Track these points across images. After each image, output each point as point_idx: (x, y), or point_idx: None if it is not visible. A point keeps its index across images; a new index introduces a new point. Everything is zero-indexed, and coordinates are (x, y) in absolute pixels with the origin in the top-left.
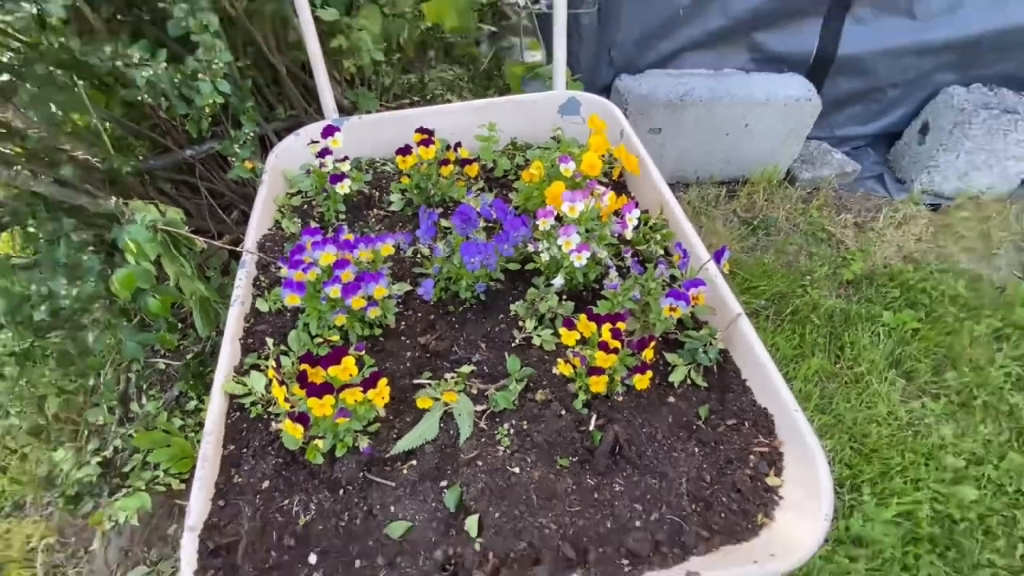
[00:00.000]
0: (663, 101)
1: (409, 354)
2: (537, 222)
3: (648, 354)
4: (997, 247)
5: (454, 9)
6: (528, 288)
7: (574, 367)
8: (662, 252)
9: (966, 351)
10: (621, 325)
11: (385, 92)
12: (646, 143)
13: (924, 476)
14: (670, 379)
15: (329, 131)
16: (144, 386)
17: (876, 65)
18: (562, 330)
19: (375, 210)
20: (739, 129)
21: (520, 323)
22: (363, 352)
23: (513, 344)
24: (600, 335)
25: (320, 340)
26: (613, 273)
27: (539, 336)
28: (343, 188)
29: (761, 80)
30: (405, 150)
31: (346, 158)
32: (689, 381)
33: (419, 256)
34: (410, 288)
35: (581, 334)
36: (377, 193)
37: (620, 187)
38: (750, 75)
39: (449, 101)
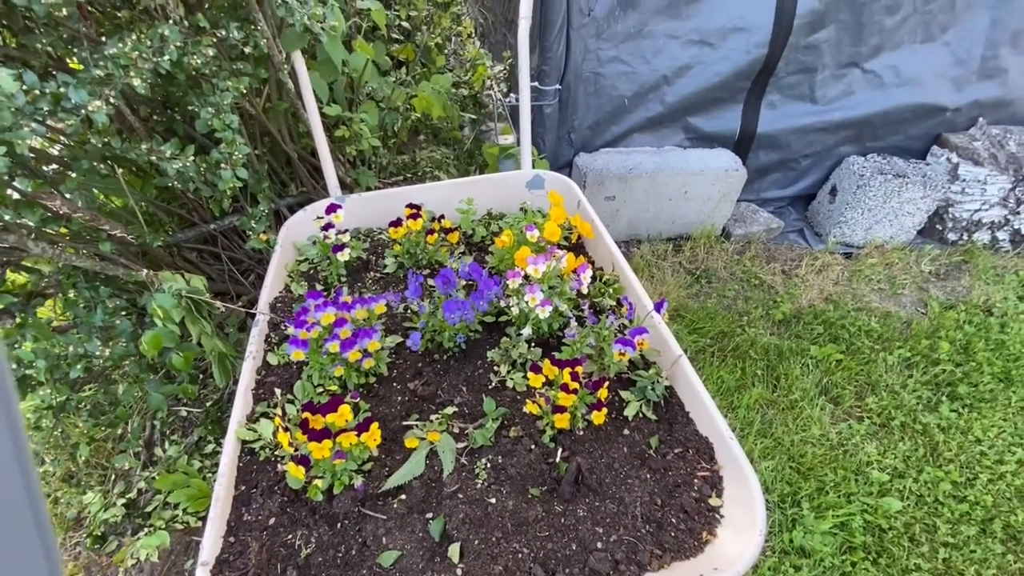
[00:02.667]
0: (615, 174)
1: (400, 398)
2: (507, 281)
3: (603, 393)
4: (902, 288)
5: (439, 103)
6: (502, 337)
7: (540, 407)
8: (614, 303)
9: (882, 378)
10: (579, 369)
11: (383, 170)
12: (603, 208)
13: (854, 490)
14: (625, 413)
15: (332, 208)
16: (167, 432)
17: (789, 140)
18: (530, 374)
19: (372, 272)
20: (680, 195)
21: (496, 368)
22: (358, 399)
23: (490, 386)
24: (562, 378)
25: (321, 390)
26: (573, 323)
27: (512, 379)
28: (343, 256)
29: (696, 155)
30: (397, 223)
31: (347, 230)
32: (641, 414)
33: (408, 312)
34: (401, 340)
35: (546, 377)
36: (374, 258)
37: (579, 249)
38: (686, 151)
39: (438, 177)
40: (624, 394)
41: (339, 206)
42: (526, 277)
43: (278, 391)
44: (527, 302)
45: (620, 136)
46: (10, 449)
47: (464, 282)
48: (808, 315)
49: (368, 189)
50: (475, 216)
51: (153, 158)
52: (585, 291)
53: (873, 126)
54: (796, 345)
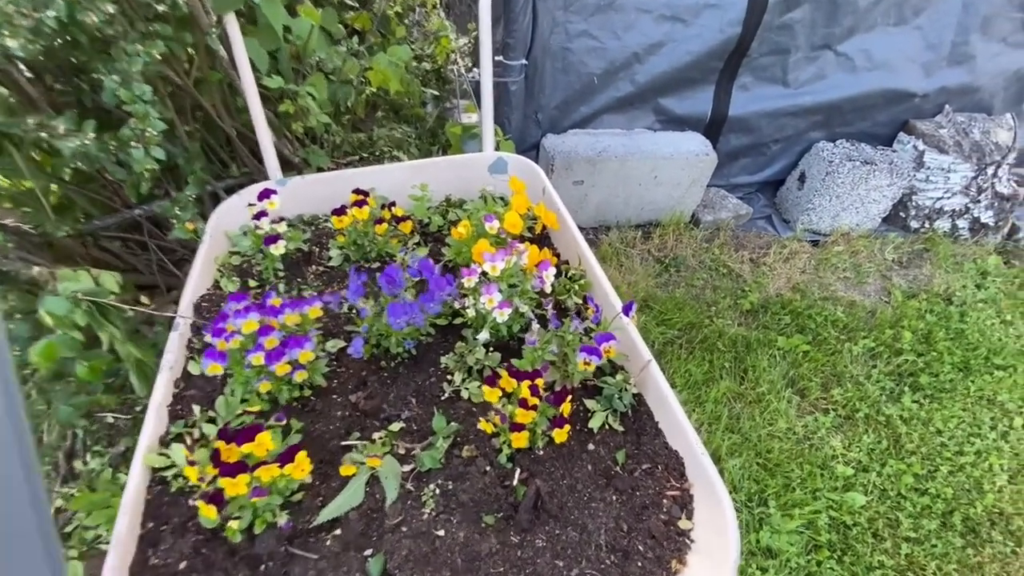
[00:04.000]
0: (584, 157)
1: (340, 413)
2: (463, 280)
3: (566, 408)
4: (867, 276)
5: (396, 76)
6: (457, 341)
7: (495, 425)
8: (580, 301)
9: (848, 369)
10: (539, 381)
11: (336, 149)
12: (571, 193)
13: (820, 486)
14: (589, 425)
15: (265, 194)
16: (90, 442)
17: (760, 124)
18: (485, 388)
19: (314, 266)
20: (649, 180)
21: (450, 376)
22: (285, 422)
23: (443, 397)
24: (520, 392)
25: (243, 409)
26: (534, 326)
27: (467, 389)
28: (278, 249)
29: (666, 138)
30: (340, 210)
31: (282, 219)
32: (607, 426)
33: (354, 312)
34: (344, 344)
35: (503, 390)
36: (317, 249)
37: (543, 240)
38: (656, 134)
39: (397, 158)
40: (589, 403)
41: (273, 191)
42: (483, 274)
43: (197, 408)
44: (484, 303)
45: (589, 117)
46: (16, 460)
47: (414, 281)
48: (776, 305)
49: (320, 170)
50: (431, 203)
51: (44, 135)
52: (548, 289)
53: (842, 111)
54: (764, 336)
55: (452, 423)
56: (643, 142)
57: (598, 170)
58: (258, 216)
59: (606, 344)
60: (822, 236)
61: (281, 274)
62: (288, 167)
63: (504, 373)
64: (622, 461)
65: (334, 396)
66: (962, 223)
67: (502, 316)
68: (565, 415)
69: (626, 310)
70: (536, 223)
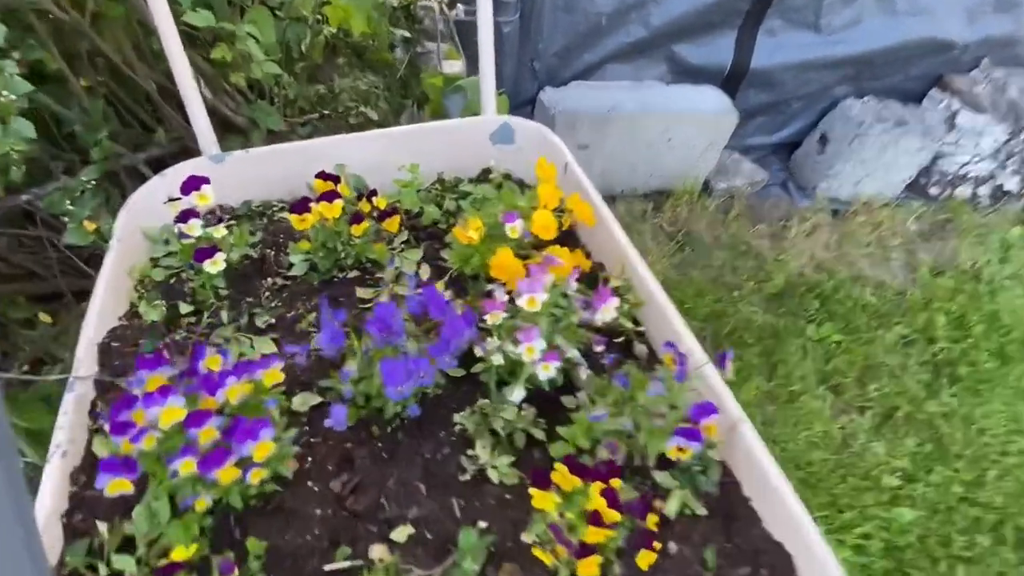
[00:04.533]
0: (591, 115)
1: (319, 512)
2: (485, 316)
3: (652, 521)
4: (891, 252)
5: (360, 13)
6: (474, 385)
7: (556, 556)
8: (631, 325)
9: (882, 361)
10: (616, 483)
11: (290, 105)
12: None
13: (867, 501)
14: (665, 511)
15: (193, 184)
16: None
17: (784, 78)
18: (533, 492)
19: (270, 279)
20: (661, 142)
21: (468, 441)
22: (233, 559)
23: (463, 479)
24: (588, 498)
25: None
26: (583, 373)
27: (496, 468)
28: (215, 266)
29: (680, 92)
30: (301, 206)
31: (221, 214)
32: (688, 511)
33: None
34: (319, 401)
35: (558, 487)
36: (273, 252)
37: (568, 237)
38: (669, 87)
39: (364, 114)
40: (658, 476)
41: (204, 180)
42: (511, 305)
43: (103, 527)
44: (523, 353)
45: (594, 66)
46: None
47: (416, 320)
48: (801, 287)
49: (271, 133)
50: (421, 185)
51: None
52: (598, 324)
53: (874, 64)
54: (792, 324)
55: (484, 534)
56: (655, 97)
57: (605, 131)
58: (183, 218)
59: (707, 420)
60: (842, 205)
61: (224, 293)
62: (230, 130)
63: (561, 469)
64: (712, 562)
65: (309, 483)
66: (984, 190)
67: (547, 371)
68: (652, 527)
69: (721, 360)
70: (562, 215)
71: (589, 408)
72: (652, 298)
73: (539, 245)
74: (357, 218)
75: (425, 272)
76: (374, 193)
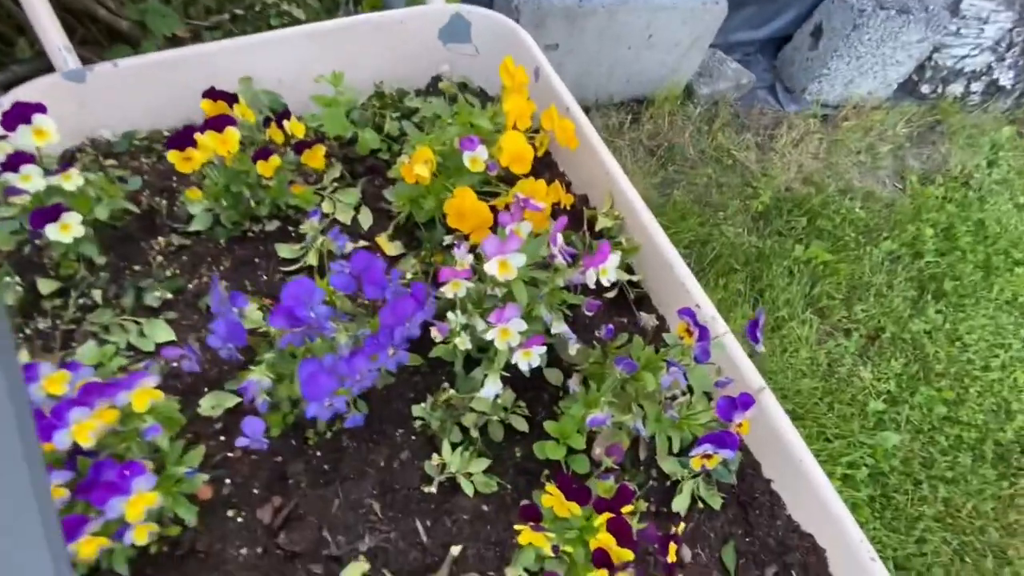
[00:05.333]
0: (561, 9)
1: (245, 553)
2: (442, 288)
3: (672, 553)
4: (881, 159)
5: None
6: (434, 367)
7: None
8: (624, 275)
9: (870, 279)
10: (628, 509)
11: (192, 4)
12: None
13: (853, 428)
14: (673, 507)
15: (20, 115)
16: None
17: None
18: (524, 530)
19: (162, 237)
20: (642, 41)
21: (433, 441)
22: None
23: (427, 491)
24: (594, 530)
25: None
26: (573, 345)
27: (468, 477)
28: (66, 231)
29: None
30: (182, 139)
31: (70, 164)
32: (700, 502)
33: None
34: (237, 402)
35: (551, 513)
36: (166, 202)
37: (542, 165)
38: None
39: (287, 13)
40: (665, 465)
41: (37, 109)
42: (475, 254)
43: None
44: (496, 338)
45: None
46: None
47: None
48: (788, 203)
49: (170, 40)
50: (352, 103)
51: None
52: (595, 284)
53: None
54: (779, 245)
55: (458, 563)
56: None
57: (579, 28)
58: (12, 165)
59: (743, 416)
60: (831, 109)
61: (101, 262)
62: (118, 39)
63: (555, 492)
64: (733, 565)
65: (231, 513)
66: (976, 86)
67: (527, 358)
68: (673, 561)
69: (752, 330)
70: (534, 138)
71: (583, 400)
72: (651, 242)
73: (509, 178)
74: (263, 153)
75: (366, 219)
76: (286, 116)
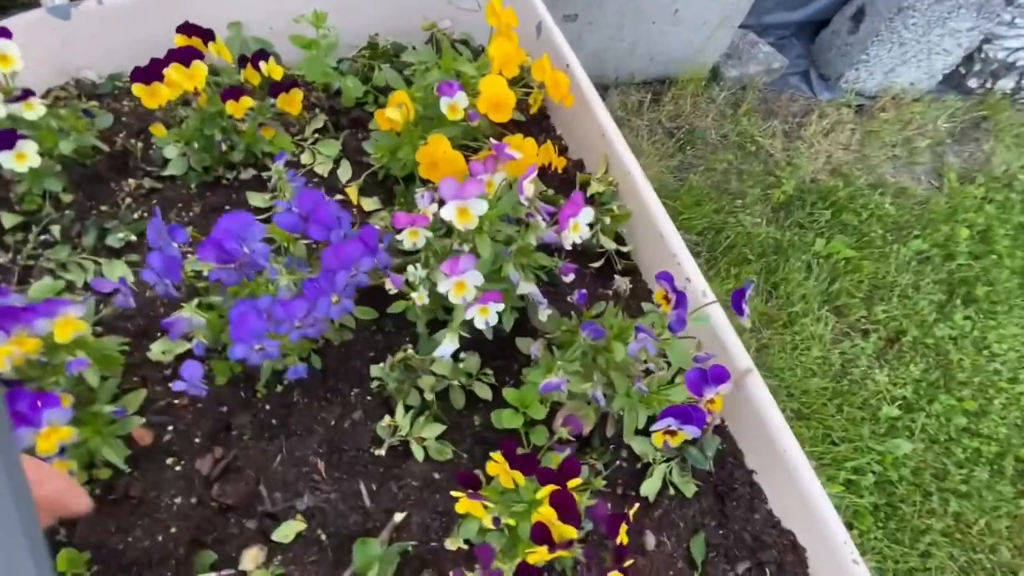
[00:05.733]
0: None
1: (179, 503)
2: (399, 235)
3: (623, 535)
4: (919, 155)
5: None
6: (400, 326)
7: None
8: (612, 243)
9: (895, 279)
10: (575, 484)
11: None
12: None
13: (863, 433)
14: (641, 491)
15: None
16: None
17: None
18: (461, 502)
19: (133, 180)
20: (667, 16)
21: (388, 402)
22: None
23: (377, 453)
24: (537, 505)
25: None
26: (543, 311)
27: (421, 441)
28: (21, 160)
29: None
30: (148, 72)
31: (29, 93)
32: (671, 488)
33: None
34: (188, 348)
35: (489, 481)
36: (141, 144)
37: (537, 124)
38: None
39: None
40: (636, 445)
41: (1, 33)
42: (440, 219)
43: None
44: (450, 291)
45: None
46: None
47: (297, 242)
48: (812, 195)
49: None
50: (341, 53)
51: None
52: (572, 244)
53: None
54: (798, 238)
55: (400, 531)
56: None
57: (601, 0)
58: None
59: (715, 391)
60: (868, 100)
61: (67, 200)
62: None
63: (499, 458)
64: (701, 557)
65: (168, 462)
66: None
67: (484, 315)
68: (624, 543)
69: (737, 300)
70: (529, 95)
71: (544, 366)
72: (644, 209)
73: (498, 136)
74: (234, 92)
75: (345, 173)
76: (263, 57)
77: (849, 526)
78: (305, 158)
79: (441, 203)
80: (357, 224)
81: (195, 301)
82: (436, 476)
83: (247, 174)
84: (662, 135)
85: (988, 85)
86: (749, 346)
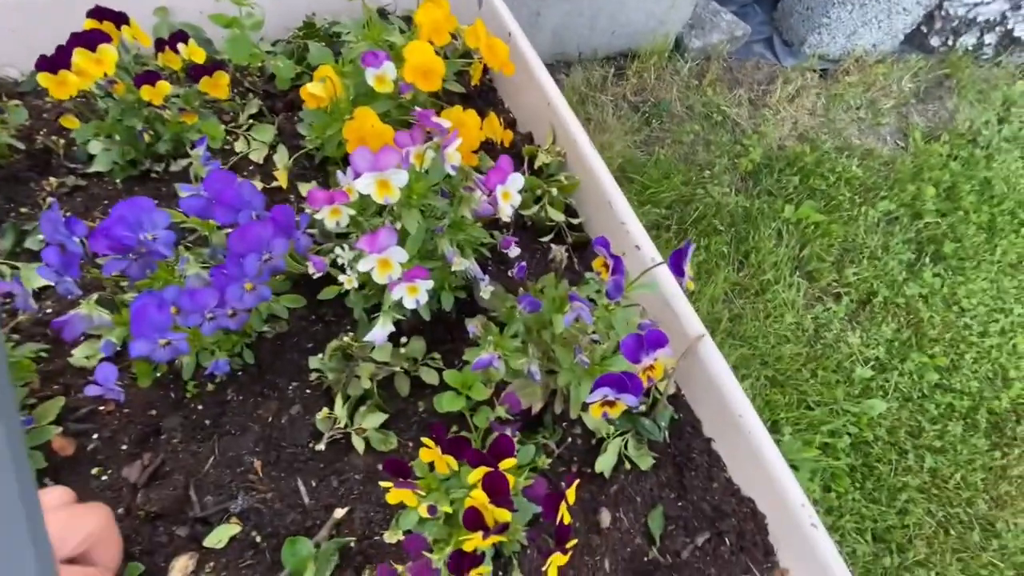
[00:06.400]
0: None
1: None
2: (317, 214)
3: (565, 514)
4: (883, 116)
5: None
6: (340, 313)
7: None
8: (561, 215)
9: (864, 241)
10: (509, 464)
11: None
12: (516, 13)
13: (837, 395)
14: (597, 467)
15: None
16: None
17: None
18: (392, 492)
19: (55, 178)
20: None
21: (328, 394)
22: None
23: (316, 448)
24: (470, 491)
25: None
26: (484, 286)
27: (362, 434)
28: None
29: None
30: (53, 61)
31: None
32: (626, 462)
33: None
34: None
35: (427, 467)
36: (64, 141)
37: (482, 99)
38: None
39: None
40: (588, 420)
41: None
42: (362, 197)
43: None
44: (373, 270)
45: None
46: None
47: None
48: (781, 161)
49: None
50: (279, 35)
51: None
52: (509, 214)
53: None
54: (768, 205)
55: (328, 541)
56: None
57: None
58: None
59: (652, 357)
60: (832, 64)
61: None
62: None
63: (430, 443)
64: (660, 531)
65: (93, 471)
66: (989, 38)
67: (414, 295)
68: (566, 522)
69: (675, 265)
70: (471, 65)
71: (484, 345)
72: (592, 178)
73: (436, 108)
74: (149, 77)
75: (282, 158)
76: (181, 39)
77: (827, 489)
78: (239, 146)
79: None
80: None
81: (93, 296)
82: (379, 468)
83: (177, 166)
84: (627, 110)
85: (950, 43)
86: (721, 316)
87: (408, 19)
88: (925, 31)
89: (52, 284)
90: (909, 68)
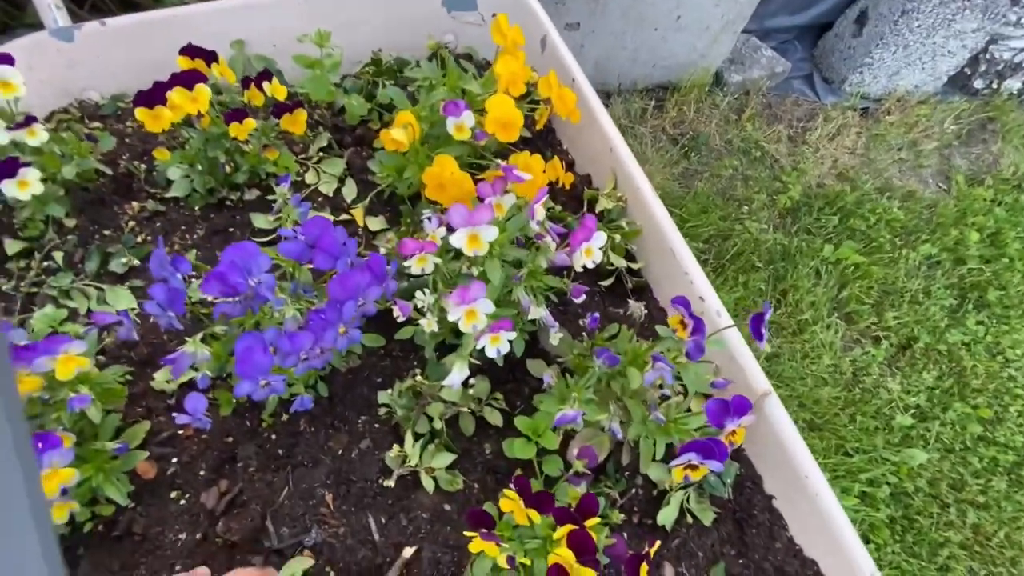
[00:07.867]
0: None
1: (183, 539)
2: (406, 262)
3: (643, 574)
4: (925, 157)
5: None
6: (407, 350)
7: None
8: (623, 261)
9: (904, 284)
10: (593, 523)
11: None
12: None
13: (877, 443)
14: (658, 519)
15: None
16: None
17: None
18: (475, 542)
19: (136, 202)
20: (670, 22)
21: (396, 430)
22: None
23: (385, 484)
24: (550, 539)
25: None
26: (555, 333)
27: (430, 475)
28: (24, 188)
29: None
30: (151, 96)
31: (31, 120)
32: (689, 516)
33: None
34: (192, 376)
35: (503, 518)
36: (144, 166)
37: (542, 140)
38: None
39: None
40: (652, 472)
41: (4, 60)
42: (445, 242)
43: None
44: (460, 319)
45: None
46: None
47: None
48: (819, 200)
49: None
50: (344, 69)
51: None
52: (583, 267)
53: None
54: (807, 244)
55: (410, 566)
56: None
57: (601, 7)
58: None
59: (736, 423)
60: (873, 103)
61: (71, 225)
62: (127, 7)
63: (512, 496)
64: None
65: (172, 495)
66: None
67: (496, 344)
68: None
69: (756, 326)
70: (535, 110)
71: (558, 395)
72: (654, 226)
73: (504, 152)
74: (237, 114)
75: (350, 192)
76: (267, 77)
77: (865, 540)
78: (309, 177)
79: (449, 227)
80: (363, 244)
81: (199, 335)
82: (446, 507)
83: (251, 195)
84: (666, 142)
85: (994, 86)
86: (759, 355)
87: (469, 56)
88: (969, 73)
89: (139, 309)
90: (952, 110)
